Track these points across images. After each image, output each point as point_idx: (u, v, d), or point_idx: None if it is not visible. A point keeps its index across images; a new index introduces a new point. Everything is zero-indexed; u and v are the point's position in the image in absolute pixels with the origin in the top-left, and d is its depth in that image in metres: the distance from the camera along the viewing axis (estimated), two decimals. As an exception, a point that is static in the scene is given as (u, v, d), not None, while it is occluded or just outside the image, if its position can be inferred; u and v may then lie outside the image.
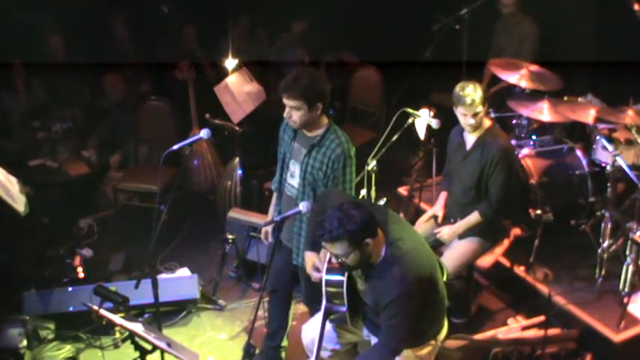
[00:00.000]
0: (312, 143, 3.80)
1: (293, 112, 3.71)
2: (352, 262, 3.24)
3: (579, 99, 5.49)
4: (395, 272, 3.21)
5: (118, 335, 4.70)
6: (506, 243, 4.62)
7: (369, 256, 3.25)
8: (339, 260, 3.25)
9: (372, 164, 4.29)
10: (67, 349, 4.55)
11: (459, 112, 4.28)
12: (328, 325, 3.60)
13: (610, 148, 4.74)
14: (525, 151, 5.18)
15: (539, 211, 4.95)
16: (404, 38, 7.06)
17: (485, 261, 4.54)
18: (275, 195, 4.19)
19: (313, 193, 3.83)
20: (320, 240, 3.26)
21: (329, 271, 3.49)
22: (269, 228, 4.19)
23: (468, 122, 4.27)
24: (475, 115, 4.23)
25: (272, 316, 4.38)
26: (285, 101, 3.70)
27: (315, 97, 3.69)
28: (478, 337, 4.54)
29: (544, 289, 4.75)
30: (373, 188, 4.35)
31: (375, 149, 4.32)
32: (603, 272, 4.82)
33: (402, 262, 3.23)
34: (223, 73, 6.08)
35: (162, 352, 3.53)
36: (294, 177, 3.92)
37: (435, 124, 4.48)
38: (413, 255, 3.28)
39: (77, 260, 5.33)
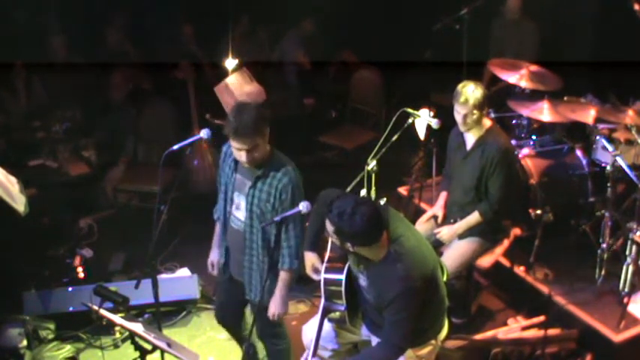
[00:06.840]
0: (257, 175, 3.60)
1: (254, 153, 3.49)
2: (356, 257, 3.28)
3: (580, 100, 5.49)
4: (398, 269, 3.21)
5: (118, 335, 4.71)
6: (506, 243, 4.62)
7: (373, 254, 3.26)
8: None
9: (372, 164, 4.28)
10: (67, 349, 4.55)
11: (454, 109, 4.27)
12: (327, 325, 3.61)
13: (610, 148, 4.74)
14: (525, 151, 5.18)
15: (539, 211, 4.95)
16: (404, 38, 7.05)
17: (485, 261, 4.54)
18: (218, 225, 4.03)
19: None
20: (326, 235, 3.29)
21: (328, 270, 3.50)
22: (215, 259, 4.05)
23: (459, 120, 4.27)
24: (466, 115, 4.21)
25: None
26: (240, 145, 3.45)
27: (264, 125, 3.51)
28: (478, 337, 4.54)
29: (544, 289, 4.76)
30: (373, 188, 4.34)
31: (375, 149, 4.31)
32: (603, 272, 4.83)
33: (405, 258, 3.23)
34: (223, 73, 6.08)
35: (163, 352, 3.53)
36: (239, 209, 3.74)
37: (435, 124, 4.47)
38: (416, 252, 3.29)
39: (77, 260, 5.33)
